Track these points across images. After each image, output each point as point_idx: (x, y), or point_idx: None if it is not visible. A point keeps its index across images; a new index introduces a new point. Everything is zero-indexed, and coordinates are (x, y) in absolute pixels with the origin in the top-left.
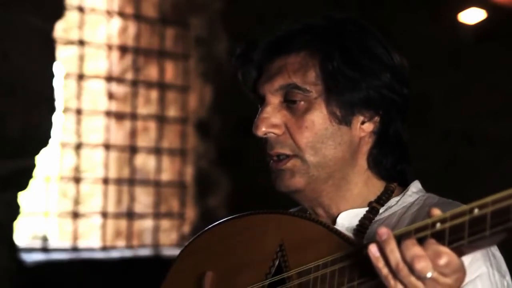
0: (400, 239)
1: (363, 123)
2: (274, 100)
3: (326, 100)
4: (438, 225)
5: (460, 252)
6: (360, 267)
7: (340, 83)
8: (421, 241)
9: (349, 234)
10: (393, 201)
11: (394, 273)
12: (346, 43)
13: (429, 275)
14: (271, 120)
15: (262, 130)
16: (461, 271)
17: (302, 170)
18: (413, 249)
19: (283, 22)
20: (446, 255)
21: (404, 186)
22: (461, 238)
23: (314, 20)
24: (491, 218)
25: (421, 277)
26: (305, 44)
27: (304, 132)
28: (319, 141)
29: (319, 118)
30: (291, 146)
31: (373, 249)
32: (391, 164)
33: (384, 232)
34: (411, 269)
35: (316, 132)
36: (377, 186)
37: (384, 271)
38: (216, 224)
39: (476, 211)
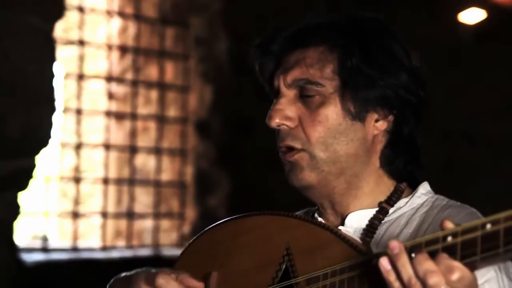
0: (410, 252)
1: (377, 121)
2: (289, 92)
3: (342, 96)
4: (449, 239)
5: (472, 267)
6: (369, 278)
7: (358, 80)
8: (432, 255)
9: (357, 239)
10: (402, 202)
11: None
12: (366, 41)
13: None
14: (285, 112)
15: (276, 121)
16: (473, 286)
17: (310, 165)
18: (426, 263)
19: (305, 15)
20: (458, 270)
21: (413, 187)
22: (473, 254)
23: (335, 16)
24: (504, 235)
25: None
26: (325, 39)
27: (316, 126)
28: (331, 136)
29: (333, 113)
30: (302, 139)
31: (384, 262)
32: (403, 164)
33: (395, 245)
34: (424, 284)
35: (329, 127)
36: (387, 186)
37: (396, 285)
38: (219, 224)
39: (488, 226)
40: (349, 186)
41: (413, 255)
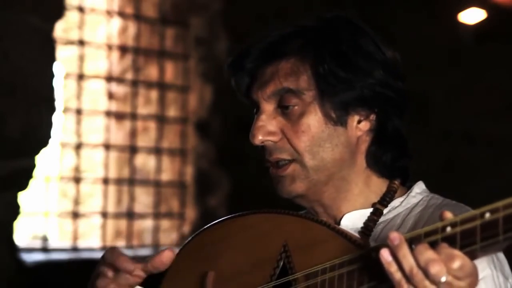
0: (410, 243)
1: (359, 122)
2: (268, 107)
3: (320, 103)
4: (449, 229)
5: (473, 256)
6: (369, 271)
7: (333, 85)
8: (432, 245)
9: (356, 234)
10: (396, 202)
11: (408, 278)
12: (336, 44)
13: (443, 279)
14: (267, 128)
15: (259, 138)
16: (474, 275)
17: (302, 175)
18: (427, 253)
19: (274, 26)
20: (459, 259)
21: (407, 184)
22: (473, 243)
23: (303, 21)
24: (503, 223)
25: (435, 281)
26: (295, 49)
27: (301, 137)
28: (317, 144)
29: (314, 121)
30: (290, 150)
31: (385, 254)
32: (391, 160)
33: (396, 237)
34: (426, 274)
35: (313, 136)
36: (378, 185)
37: (397, 276)
38: (215, 223)
39: (487, 215)
40: (338, 190)
41: (413, 246)
